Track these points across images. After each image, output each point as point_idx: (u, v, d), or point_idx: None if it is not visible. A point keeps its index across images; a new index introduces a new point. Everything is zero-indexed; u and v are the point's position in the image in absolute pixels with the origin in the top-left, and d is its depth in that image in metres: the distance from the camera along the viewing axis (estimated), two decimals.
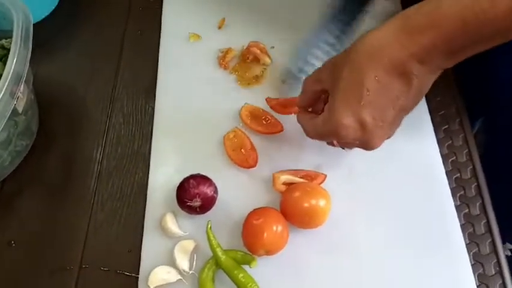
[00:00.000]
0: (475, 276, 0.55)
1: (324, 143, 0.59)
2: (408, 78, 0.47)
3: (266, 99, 0.65)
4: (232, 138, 0.63)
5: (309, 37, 0.68)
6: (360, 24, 0.68)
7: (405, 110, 0.50)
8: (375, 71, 0.47)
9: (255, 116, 0.65)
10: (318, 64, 0.56)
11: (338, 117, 0.49)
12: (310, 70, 0.60)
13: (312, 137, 0.55)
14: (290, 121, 0.64)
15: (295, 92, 0.59)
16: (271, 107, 0.64)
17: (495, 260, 0.56)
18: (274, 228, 0.54)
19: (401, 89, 0.48)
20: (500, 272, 0.55)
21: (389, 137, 0.53)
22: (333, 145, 0.57)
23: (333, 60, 0.52)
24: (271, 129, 0.64)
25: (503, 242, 0.79)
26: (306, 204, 0.55)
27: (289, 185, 0.58)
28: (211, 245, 0.54)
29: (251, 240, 0.54)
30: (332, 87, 0.51)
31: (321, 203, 0.55)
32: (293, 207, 0.56)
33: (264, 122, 0.64)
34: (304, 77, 0.57)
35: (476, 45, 0.45)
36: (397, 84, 0.47)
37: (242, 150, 0.62)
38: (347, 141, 0.51)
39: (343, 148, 0.57)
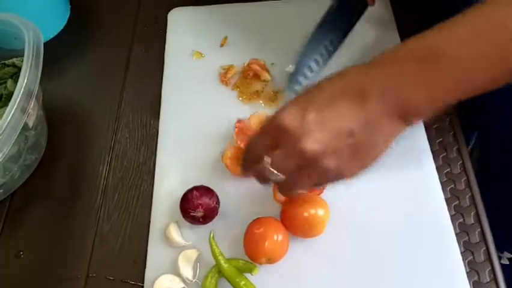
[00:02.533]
0: (470, 284, 0.56)
1: None
2: (362, 99, 0.46)
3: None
4: (233, 151, 0.65)
5: (304, 50, 0.69)
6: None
7: (353, 138, 0.46)
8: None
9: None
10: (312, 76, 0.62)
11: (283, 110, 0.48)
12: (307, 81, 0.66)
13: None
14: None
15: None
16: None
17: (489, 268, 0.57)
18: (275, 237, 0.56)
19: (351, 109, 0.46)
20: (495, 279, 0.57)
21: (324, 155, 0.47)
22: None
23: None
24: None
25: (501, 251, 0.81)
26: (305, 214, 0.57)
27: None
28: (214, 254, 0.56)
29: (252, 248, 0.56)
30: None
31: (320, 212, 0.57)
32: (293, 217, 0.58)
33: None
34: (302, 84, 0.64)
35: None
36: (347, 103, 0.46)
37: None
38: (284, 128, 0.47)
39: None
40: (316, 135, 0.46)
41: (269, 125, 0.50)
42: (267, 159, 0.49)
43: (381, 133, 0.47)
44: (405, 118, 0.46)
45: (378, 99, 0.45)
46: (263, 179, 0.52)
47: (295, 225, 0.58)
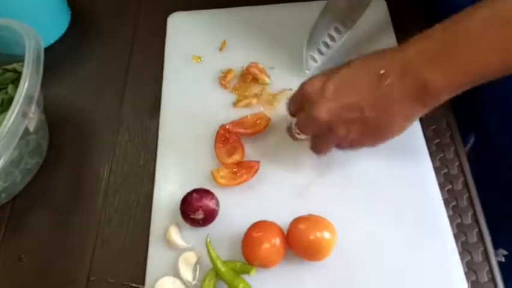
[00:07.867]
0: (468, 284, 0.56)
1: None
2: (380, 78, 0.49)
3: None
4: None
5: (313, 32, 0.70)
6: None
7: (363, 114, 0.51)
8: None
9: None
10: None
11: (310, 78, 0.55)
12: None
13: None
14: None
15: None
16: None
17: (487, 268, 0.58)
18: (272, 241, 0.56)
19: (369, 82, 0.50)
20: (493, 279, 0.57)
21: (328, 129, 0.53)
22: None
23: None
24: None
25: (496, 248, 0.81)
26: (311, 237, 0.55)
27: None
28: (211, 258, 0.56)
29: (249, 252, 0.56)
30: None
31: (326, 235, 0.55)
32: (299, 239, 0.57)
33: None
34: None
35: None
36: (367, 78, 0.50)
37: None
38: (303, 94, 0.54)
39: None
40: (329, 105, 0.51)
41: (298, 90, 0.57)
42: (294, 120, 0.57)
43: (396, 113, 0.50)
44: (424, 100, 0.49)
45: (397, 79, 0.48)
46: (291, 136, 0.60)
47: (300, 247, 0.57)
